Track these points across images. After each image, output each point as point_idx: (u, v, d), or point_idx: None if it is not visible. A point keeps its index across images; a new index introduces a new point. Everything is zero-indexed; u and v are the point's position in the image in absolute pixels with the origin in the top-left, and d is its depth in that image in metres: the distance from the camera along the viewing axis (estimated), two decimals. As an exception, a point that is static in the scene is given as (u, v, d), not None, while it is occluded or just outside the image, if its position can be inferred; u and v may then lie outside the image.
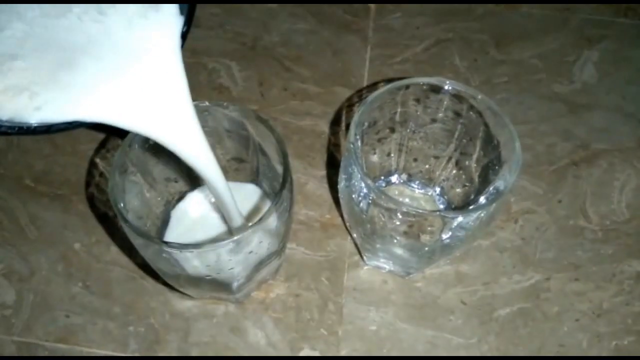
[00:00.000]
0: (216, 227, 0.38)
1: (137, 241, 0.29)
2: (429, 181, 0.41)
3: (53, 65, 0.25)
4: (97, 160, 0.44)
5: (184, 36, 0.28)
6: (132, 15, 0.26)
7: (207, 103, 0.33)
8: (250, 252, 0.30)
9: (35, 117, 0.24)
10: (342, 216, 0.41)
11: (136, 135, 0.31)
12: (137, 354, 0.37)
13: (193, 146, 0.28)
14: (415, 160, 0.40)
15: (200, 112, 0.33)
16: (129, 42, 0.26)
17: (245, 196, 0.38)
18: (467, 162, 0.38)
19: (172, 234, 0.38)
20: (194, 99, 0.33)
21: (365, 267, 0.40)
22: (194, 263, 0.29)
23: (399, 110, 0.37)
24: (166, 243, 0.28)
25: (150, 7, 0.27)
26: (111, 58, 0.26)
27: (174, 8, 0.28)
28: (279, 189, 0.30)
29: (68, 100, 0.25)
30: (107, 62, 0.26)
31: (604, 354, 0.37)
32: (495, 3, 0.54)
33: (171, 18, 0.27)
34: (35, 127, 0.24)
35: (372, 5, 0.54)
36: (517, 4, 0.54)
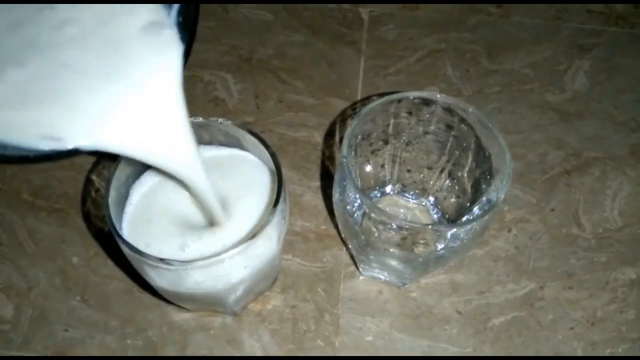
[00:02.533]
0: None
1: (131, 257, 0.30)
2: (422, 192, 0.41)
3: (54, 93, 0.25)
4: (93, 177, 0.44)
5: (185, 59, 0.28)
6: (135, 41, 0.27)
7: (201, 119, 0.33)
8: (246, 266, 0.31)
9: (40, 144, 0.25)
10: (337, 227, 0.42)
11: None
12: (135, 367, 0.37)
13: (191, 174, 0.30)
14: (409, 171, 0.41)
15: (195, 128, 0.34)
16: (130, 72, 0.27)
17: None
18: (459, 173, 0.39)
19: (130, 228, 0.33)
20: (189, 112, 0.33)
21: (361, 278, 0.41)
22: (188, 277, 0.30)
23: (391, 122, 0.38)
24: (162, 260, 0.28)
25: (152, 33, 0.27)
26: (113, 88, 0.26)
27: (174, 37, 0.28)
28: (274, 202, 0.30)
29: (74, 128, 0.25)
30: (108, 91, 0.26)
31: (599, 361, 0.38)
32: (490, 2, 0.55)
33: (172, 48, 0.27)
34: (36, 156, 0.25)
35: (366, 17, 0.55)
36: (511, 3, 0.55)
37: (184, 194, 0.34)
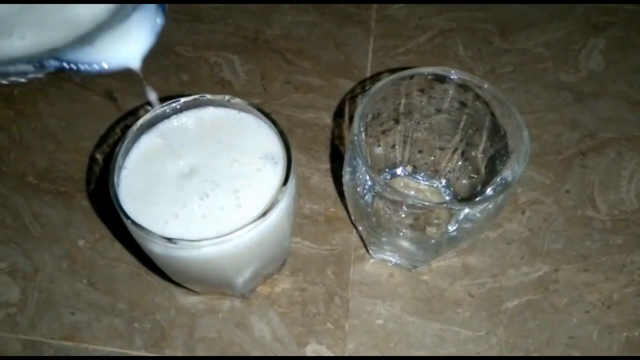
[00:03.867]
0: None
1: (139, 237, 0.29)
2: (434, 173, 0.40)
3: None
4: (98, 155, 0.44)
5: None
6: None
7: (208, 96, 0.32)
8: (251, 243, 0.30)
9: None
10: (347, 209, 0.41)
11: (136, 130, 0.31)
12: (142, 350, 0.37)
13: None
14: (420, 151, 0.40)
15: (202, 106, 0.33)
16: None
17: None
18: (473, 153, 0.38)
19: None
20: (196, 94, 0.33)
21: (371, 261, 0.40)
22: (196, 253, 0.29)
23: (403, 101, 0.37)
24: (169, 239, 0.27)
25: None
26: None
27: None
28: (282, 182, 0.29)
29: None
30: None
31: (615, 345, 0.37)
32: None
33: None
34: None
35: (375, -4, 0.53)
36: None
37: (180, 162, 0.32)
